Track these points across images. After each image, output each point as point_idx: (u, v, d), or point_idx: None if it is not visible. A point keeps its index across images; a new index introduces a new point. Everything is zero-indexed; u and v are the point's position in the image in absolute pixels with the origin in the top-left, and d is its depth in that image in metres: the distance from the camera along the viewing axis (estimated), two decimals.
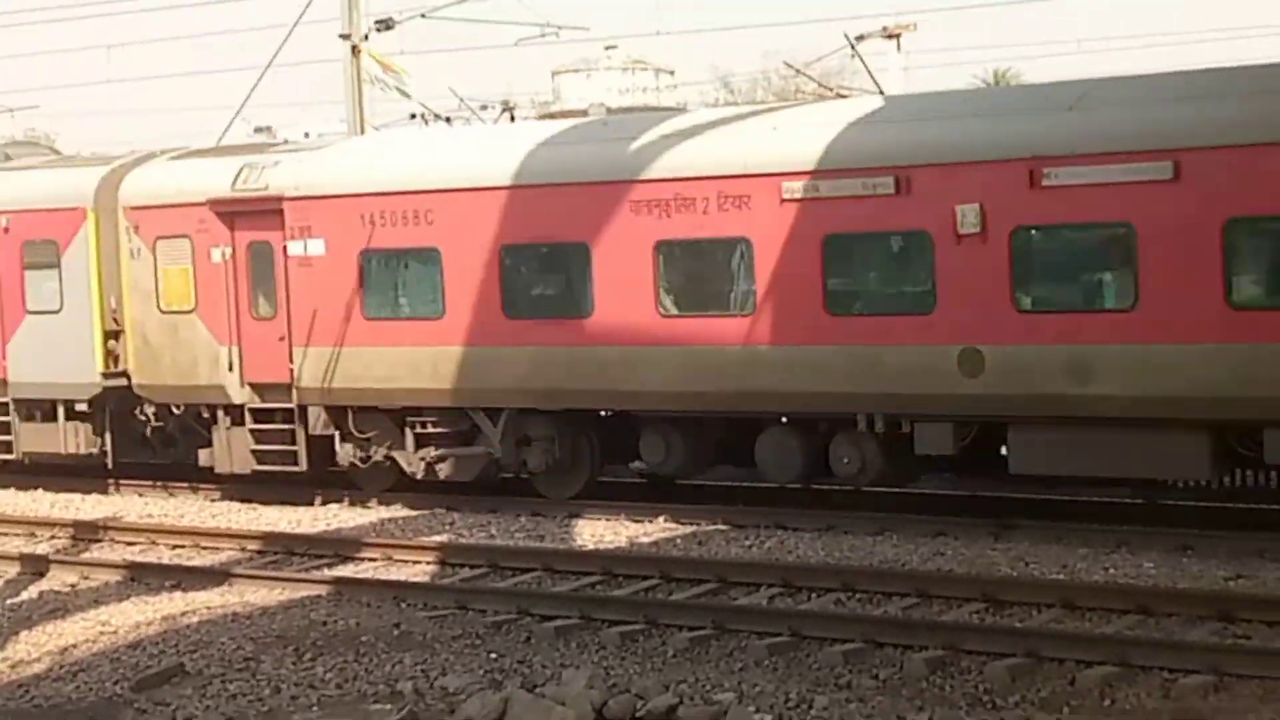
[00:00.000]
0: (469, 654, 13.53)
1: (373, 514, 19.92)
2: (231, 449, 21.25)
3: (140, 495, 22.23)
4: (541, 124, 21.46)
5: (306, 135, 29.77)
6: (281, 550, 17.94)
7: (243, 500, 21.40)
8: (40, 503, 22.06)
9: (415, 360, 19.77)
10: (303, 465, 20.81)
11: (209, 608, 15.25)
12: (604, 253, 18.62)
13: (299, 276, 20.49)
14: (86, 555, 18.31)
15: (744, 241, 17.88)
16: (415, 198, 19.73)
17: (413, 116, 29.03)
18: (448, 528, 18.92)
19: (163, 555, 18.24)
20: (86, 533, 19.30)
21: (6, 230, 22.86)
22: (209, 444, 21.62)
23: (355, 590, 15.68)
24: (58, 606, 15.72)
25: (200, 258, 21.16)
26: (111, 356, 22.14)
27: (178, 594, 16.00)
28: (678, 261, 18.44)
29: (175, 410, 21.91)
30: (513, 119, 27.46)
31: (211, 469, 21.66)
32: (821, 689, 12.17)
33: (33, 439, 22.89)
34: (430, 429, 20.07)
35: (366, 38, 27.13)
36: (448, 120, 27.85)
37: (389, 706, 12.23)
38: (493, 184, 19.31)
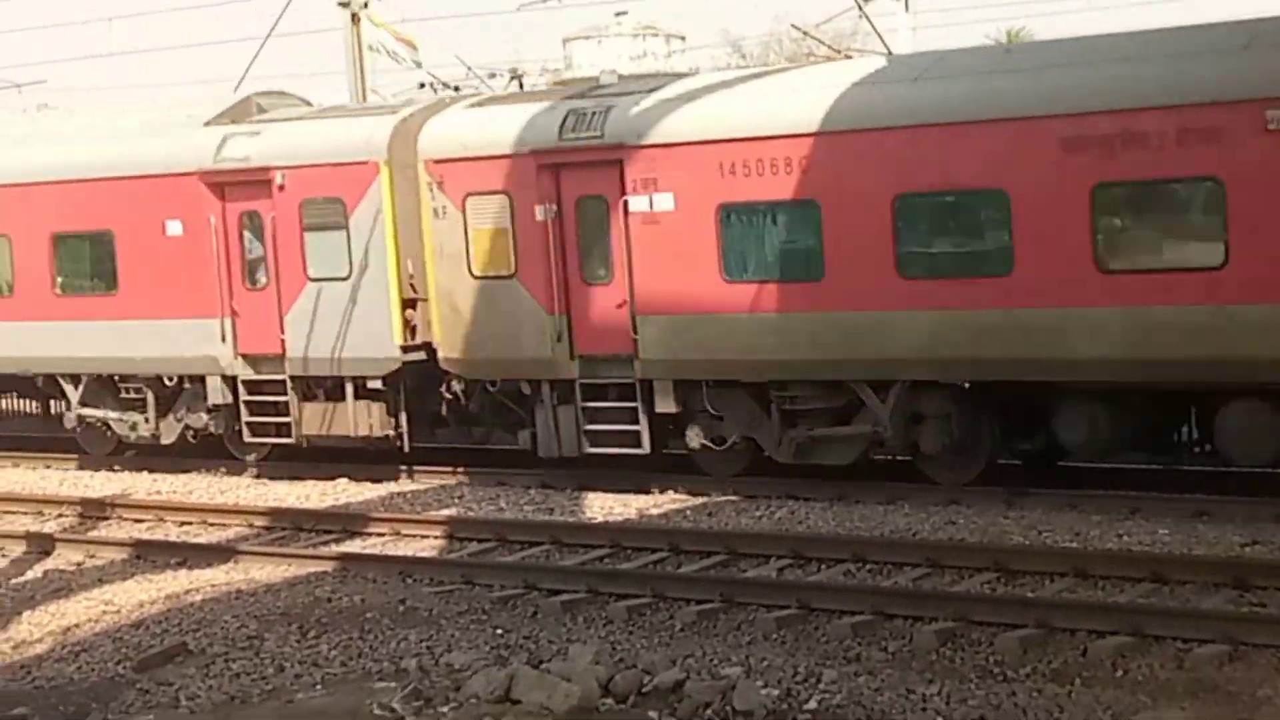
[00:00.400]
0: (475, 630, 13.42)
1: (381, 489, 19.77)
2: (559, 430, 18.98)
3: (149, 471, 22.03)
4: (931, 54, 18.42)
5: None
6: (289, 526, 17.82)
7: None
8: (49, 480, 21.89)
9: (787, 327, 17.50)
10: (645, 447, 18.51)
11: (213, 585, 15.13)
12: (1026, 200, 16.25)
13: (642, 235, 18.15)
14: (93, 533, 18.22)
15: (1211, 181, 15.54)
16: (787, 143, 17.32)
17: (421, 86, 28.78)
18: (456, 501, 18.79)
19: (170, 533, 18.13)
20: (94, 510, 19.17)
21: (282, 188, 20.24)
22: (526, 424, 19.35)
23: (361, 566, 15.57)
24: (62, 585, 15.62)
25: (521, 216, 18.76)
26: (409, 328, 19.82)
27: (183, 572, 15.89)
28: (1122, 207, 16.12)
29: (490, 388, 19.59)
30: (521, 87, 27.21)
31: (527, 452, 19.46)
32: (830, 662, 12.04)
33: (316, 420, 20.46)
34: (801, 406, 17.82)
35: (366, 4, 26.86)
36: (457, 89, 27.58)
37: (393, 684, 12.11)
38: (883, 124, 16.98)
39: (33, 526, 18.62)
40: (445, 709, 11.56)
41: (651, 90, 18.82)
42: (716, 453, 18.40)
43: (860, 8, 29.40)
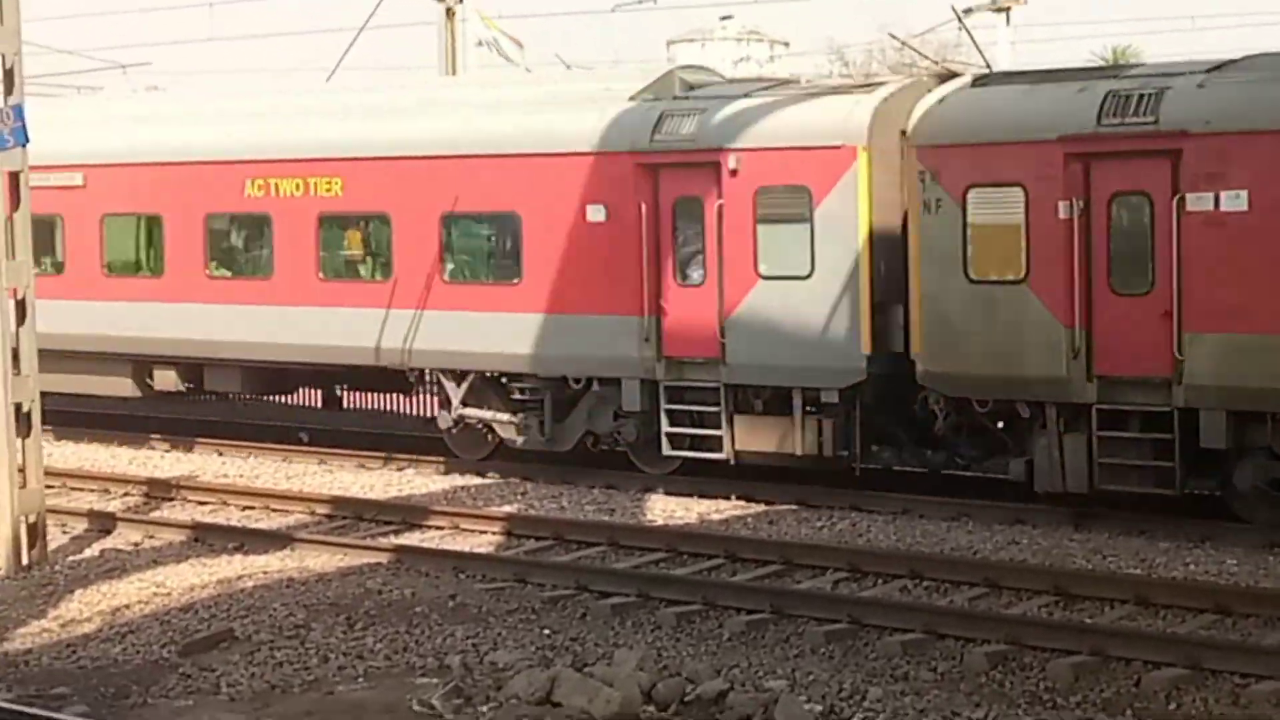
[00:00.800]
0: (522, 629, 13.33)
1: (445, 481, 19.71)
2: (1065, 460, 16.43)
3: (219, 454, 22.10)
4: None
5: None
6: (350, 515, 17.80)
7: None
8: (119, 459, 21.96)
9: None
10: (1177, 488, 16.03)
11: (266, 572, 15.14)
12: None
13: (1201, 238, 15.59)
14: (155, 514, 18.26)
15: None
16: None
17: None
18: (519, 497, 18.70)
19: (231, 516, 18.15)
20: (159, 491, 19.23)
21: (734, 173, 17.93)
22: (1011, 451, 16.99)
23: (415, 559, 15.51)
24: (116, 565, 15.66)
25: (1037, 213, 16.30)
26: (876, 336, 17.54)
27: (238, 557, 15.91)
28: None
29: (978, 407, 17.15)
30: None
31: (1020, 483, 17.00)
32: (876, 680, 11.85)
33: (752, 435, 18.11)
34: None
35: (462, 0, 26.84)
36: None
37: (435, 680, 12.05)
38: None
39: (97, 504, 18.73)
40: (485, 708, 11.49)
41: (1215, 69, 16.36)
42: (1271, 498, 16.02)
43: (960, 20, 29.08)
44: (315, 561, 15.61)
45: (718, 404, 18.24)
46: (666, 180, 18.49)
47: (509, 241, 19.68)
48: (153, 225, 22.12)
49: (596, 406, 19.28)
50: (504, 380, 19.85)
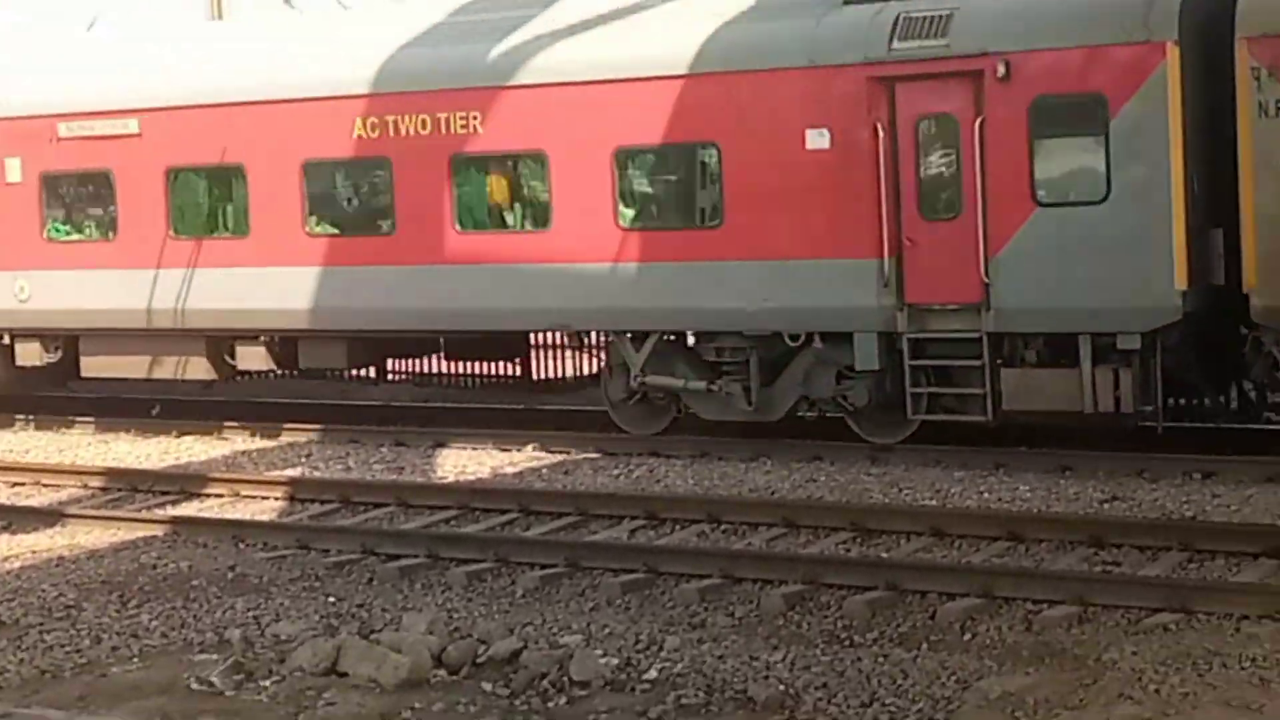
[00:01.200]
0: (306, 598, 12.82)
1: (226, 446, 19.03)
2: None
3: None
4: None
5: None
6: (125, 487, 17.04)
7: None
8: None
9: None
10: None
11: (34, 552, 14.40)
12: None
13: None
14: None
15: None
16: None
17: None
18: (303, 460, 18.12)
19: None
20: None
21: (1002, 82, 15.43)
22: None
23: (192, 530, 14.87)
24: None
25: None
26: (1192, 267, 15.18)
27: (4, 537, 15.09)
28: None
29: None
30: None
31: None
32: (674, 628, 11.58)
33: (1024, 392, 15.65)
34: None
35: None
36: None
37: (215, 656, 11.50)
38: None
39: None
40: (267, 683, 10.97)
41: None
42: None
43: None
44: (87, 538, 14.90)
45: (976, 357, 15.81)
46: (906, 95, 15.98)
47: (705, 178, 17.11)
48: (233, 177, 19.25)
49: (815, 366, 16.78)
50: (692, 342, 17.48)
